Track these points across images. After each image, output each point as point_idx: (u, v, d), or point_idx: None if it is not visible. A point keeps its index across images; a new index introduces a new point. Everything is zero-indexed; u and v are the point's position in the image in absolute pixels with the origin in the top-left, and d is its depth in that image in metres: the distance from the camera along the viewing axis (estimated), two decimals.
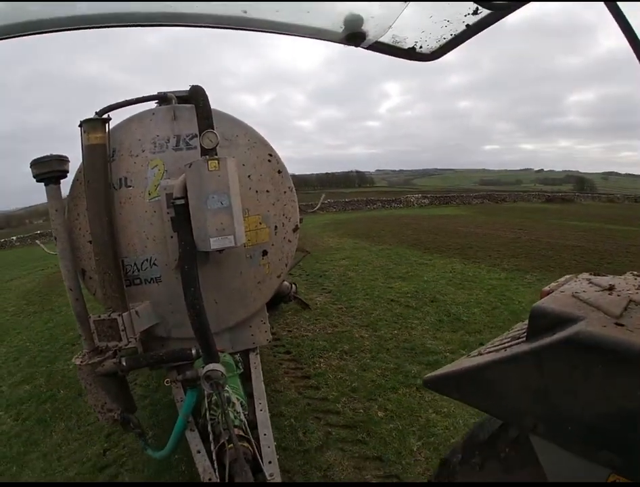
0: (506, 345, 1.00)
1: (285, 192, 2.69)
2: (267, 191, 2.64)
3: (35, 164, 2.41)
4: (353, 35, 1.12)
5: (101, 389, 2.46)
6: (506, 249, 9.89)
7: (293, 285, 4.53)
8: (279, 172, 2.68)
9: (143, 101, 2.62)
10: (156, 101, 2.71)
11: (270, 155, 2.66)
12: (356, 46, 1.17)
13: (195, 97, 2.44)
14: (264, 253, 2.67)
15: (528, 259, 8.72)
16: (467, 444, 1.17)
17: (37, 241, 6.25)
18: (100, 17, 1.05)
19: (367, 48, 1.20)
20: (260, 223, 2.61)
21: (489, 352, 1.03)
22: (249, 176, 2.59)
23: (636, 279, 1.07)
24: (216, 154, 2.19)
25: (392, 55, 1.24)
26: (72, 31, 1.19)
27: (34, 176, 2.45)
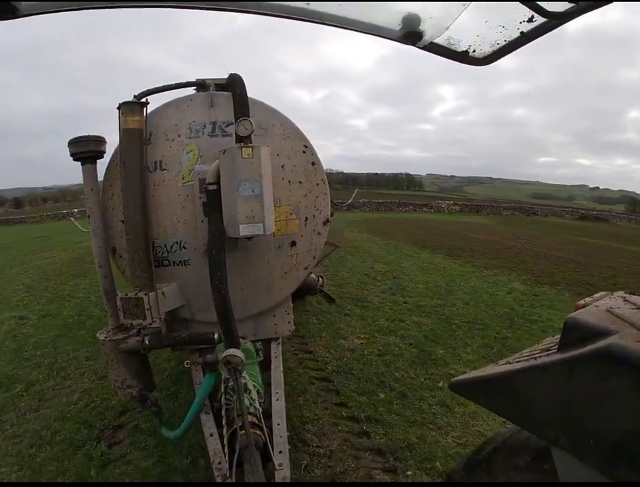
0: (536, 355, 1.00)
1: (317, 184, 2.68)
2: (300, 182, 2.64)
3: (73, 143, 2.48)
4: (410, 34, 1.14)
5: (122, 365, 2.52)
6: (491, 253, 10.99)
7: (320, 278, 4.51)
8: (313, 164, 2.67)
9: (181, 87, 2.65)
10: (194, 87, 2.75)
11: (305, 146, 2.65)
12: (413, 45, 1.18)
13: (233, 84, 2.46)
14: (293, 244, 2.67)
15: (500, 260, 9.92)
16: (486, 453, 1.17)
17: (71, 218, 6.46)
18: None
19: (422, 48, 1.20)
20: (291, 214, 2.61)
21: (518, 362, 1.02)
22: (282, 166, 2.59)
23: None
24: (251, 142, 2.21)
25: (445, 56, 1.24)
26: (128, 9, 1.22)
27: (70, 155, 2.52)
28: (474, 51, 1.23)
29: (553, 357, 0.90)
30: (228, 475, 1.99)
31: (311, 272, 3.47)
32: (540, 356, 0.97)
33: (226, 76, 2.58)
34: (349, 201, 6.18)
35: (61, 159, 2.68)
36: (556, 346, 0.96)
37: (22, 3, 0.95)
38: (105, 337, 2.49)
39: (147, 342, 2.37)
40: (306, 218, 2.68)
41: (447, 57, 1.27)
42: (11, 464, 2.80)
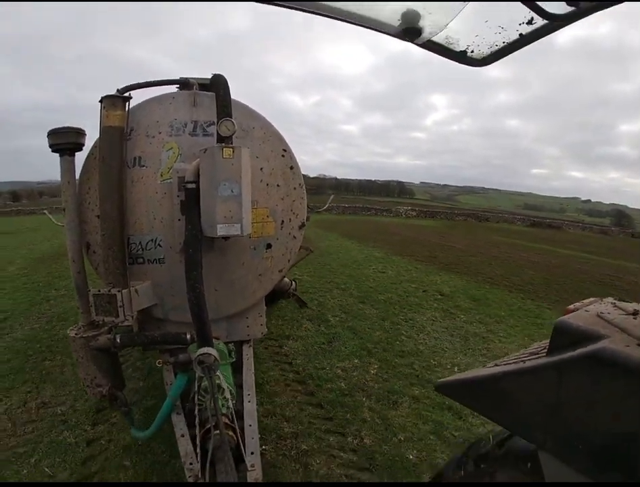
0: (524, 359, 1.00)
1: (295, 188, 2.71)
2: (277, 185, 2.65)
3: (52, 133, 2.43)
4: (409, 30, 1.12)
5: (92, 363, 2.46)
6: (407, 244, 14.35)
7: (293, 282, 4.52)
8: (291, 168, 2.70)
9: (165, 84, 2.64)
10: (177, 85, 2.74)
11: (285, 150, 2.68)
12: (411, 41, 1.17)
13: (216, 85, 2.46)
14: (268, 246, 2.68)
15: (390, 245, 13.70)
16: (471, 456, 1.17)
17: (45, 211, 6.32)
18: None
19: (421, 45, 1.20)
20: (268, 216, 2.62)
21: (506, 364, 1.03)
22: (261, 168, 2.60)
23: None
24: (232, 143, 2.21)
25: (443, 55, 1.24)
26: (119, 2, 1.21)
27: (50, 146, 2.47)
28: (472, 52, 1.22)
29: (542, 360, 0.90)
30: (200, 475, 1.98)
31: (284, 276, 3.48)
32: (528, 359, 0.97)
33: (210, 77, 2.58)
34: (325, 207, 6.30)
35: (54, 154, 2.61)
36: (544, 350, 0.96)
37: None
38: (76, 334, 2.44)
39: (118, 340, 2.34)
40: (283, 221, 2.70)
41: (445, 56, 1.26)
42: None
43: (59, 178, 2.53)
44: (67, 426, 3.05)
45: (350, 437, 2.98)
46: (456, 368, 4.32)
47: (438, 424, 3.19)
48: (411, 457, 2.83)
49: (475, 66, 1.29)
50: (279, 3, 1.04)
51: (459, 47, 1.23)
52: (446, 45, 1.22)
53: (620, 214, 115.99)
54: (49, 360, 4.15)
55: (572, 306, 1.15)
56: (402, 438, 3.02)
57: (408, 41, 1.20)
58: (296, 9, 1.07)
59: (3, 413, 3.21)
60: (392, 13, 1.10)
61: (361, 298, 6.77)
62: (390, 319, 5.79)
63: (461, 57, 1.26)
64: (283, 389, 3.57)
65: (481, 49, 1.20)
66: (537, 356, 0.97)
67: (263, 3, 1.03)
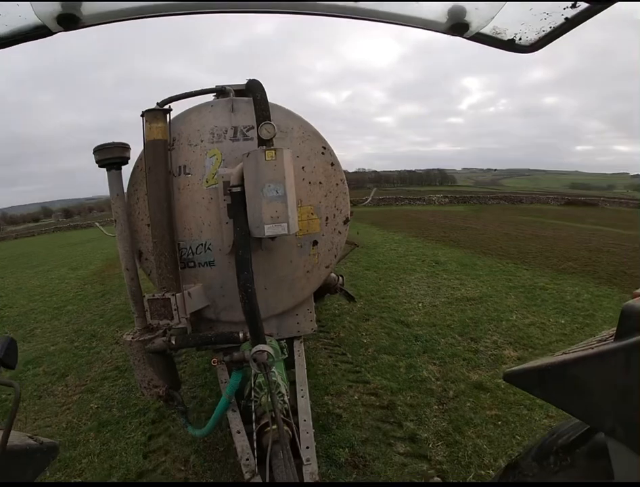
0: (593, 345, 0.98)
1: (337, 184, 2.73)
2: (320, 183, 2.69)
3: (98, 150, 2.53)
4: (457, 25, 1.16)
5: (148, 365, 2.56)
6: (426, 227, 15.13)
7: (340, 277, 4.52)
8: (332, 164, 2.72)
9: (203, 94, 2.73)
10: (214, 93, 2.83)
11: (324, 148, 2.71)
12: (460, 36, 1.21)
13: (253, 90, 2.52)
14: (315, 243, 2.72)
15: (409, 228, 14.96)
16: (543, 446, 1.15)
17: (96, 223, 6.84)
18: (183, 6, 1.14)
19: (469, 38, 1.24)
20: (312, 214, 2.67)
21: (574, 352, 1.00)
22: (302, 167, 2.64)
23: None
24: (273, 145, 2.26)
25: (493, 45, 1.27)
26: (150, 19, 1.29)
27: (96, 162, 2.57)
28: (520, 39, 1.25)
29: (610, 345, 0.88)
30: (257, 471, 2.02)
31: (332, 271, 3.51)
32: (597, 346, 0.94)
33: (245, 82, 2.65)
34: (368, 200, 6.35)
35: (100, 171, 2.76)
36: (612, 337, 0.93)
37: (84, 14, 1.02)
38: (132, 339, 2.54)
39: (173, 342, 2.42)
40: (327, 217, 2.73)
41: (494, 46, 1.30)
42: None
43: (107, 193, 2.64)
44: None
45: (332, 333, 5.06)
46: (420, 305, 6.01)
47: (390, 329, 5.13)
48: (365, 341, 4.79)
49: (526, 53, 1.31)
50: (319, 13, 1.08)
51: (507, 36, 1.25)
52: (494, 36, 1.25)
53: None
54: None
55: (638, 291, 1.10)
56: (363, 334, 5.03)
57: (457, 36, 1.23)
58: (339, 16, 1.11)
59: None
60: (438, 11, 1.14)
61: (367, 267, 8.50)
62: (385, 279, 7.59)
63: (511, 45, 1.28)
64: None
65: (529, 35, 1.23)
66: (605, 342, 0.95)
67: (306, 14, 1.07)
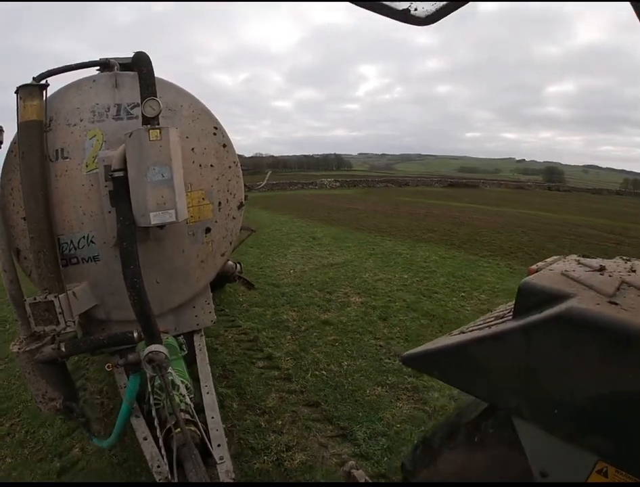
0: (490, 323, 0.96)
1: (230, 167, 2.57)
2: (211, 166, 2.51)
3: None
4: None
5: (40, 377, 2.31)
6: (312, 210, 16.12)
7: (237, 264, 4.40)
8: (224, 146, 2.56)
9: (84, 67, 2.44)
10: (97, 67, 2.52)
11: (216, 128, 2.53)
12: (350, 1, 1.09)
13: (139, 63, 2.28)
14: (208, 230, 2.56)
15: (296, 210, 15.91)
16: (450, 425, 1.13)
17: None
18: None
19: (361, 5, 1.11)
20: (203, 199, 2.49)
21: (472, 331, 0.98)
22: (192, 149, 2.45)
23: (626, 262, 1.05)
24: (158, 124, 2.05)
25: (385, 15, 1.16)
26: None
27: None
28: (416, 10, 1.14)
29: (509, 324, 0.86)
30: (170, 477, 1.90)
31: (228, 259, 3.38)
32: (495, 324, 0.93)
33: (132, 55, 2.37)
34: (263, 183, 6.23)
35: None
36: (510, 313, 0.92)
37: None
38: (19, 349, 2.27)
39: (63, 349, 2.20)
40: (220, 202, 2.58)
41: (388, 16, 1.19)
42: None
43: None
44: None
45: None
46: (291, 271, 6.92)
47: (263, 290, 5.94)
48: (241, 299, 5.52)
49: (420, 25, 1.23)
50: None
51: (401, 6, 1.16)
52: (387, 3, 1.15)
53: (550, 171, 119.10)
54: None
55: (534, 266, 1.11)
56: (240, 295, 5.65)
57: (347, 1, 1.12)
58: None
59: None
60: None
61: (252, 245, 8.85)
62: (265, 253, 8.40)
63: (405, 15, 1.19)
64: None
65: (425, 6, 1.14)
66: (503, 320, 0.94)
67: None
